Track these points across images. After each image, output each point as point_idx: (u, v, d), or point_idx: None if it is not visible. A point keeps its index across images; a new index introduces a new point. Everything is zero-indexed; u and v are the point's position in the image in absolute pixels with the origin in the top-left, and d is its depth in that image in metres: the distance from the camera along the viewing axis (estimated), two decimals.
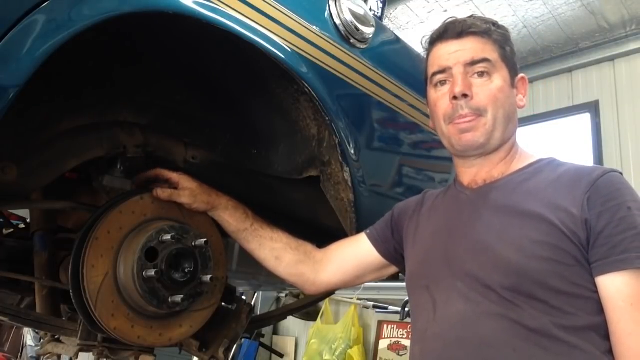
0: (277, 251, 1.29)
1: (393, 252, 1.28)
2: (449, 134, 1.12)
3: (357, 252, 1.31)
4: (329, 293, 1.82)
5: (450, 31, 1.12)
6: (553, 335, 0.92)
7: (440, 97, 1.13)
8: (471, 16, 1.16)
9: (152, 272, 1.08)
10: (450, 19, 1.16)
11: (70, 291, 1.08)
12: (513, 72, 1.13)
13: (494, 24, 1.14)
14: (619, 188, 0.98)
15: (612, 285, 0.93)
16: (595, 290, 0.95)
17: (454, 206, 1.16)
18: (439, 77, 1.13)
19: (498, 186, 1.10)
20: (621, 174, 1.02)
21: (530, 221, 0.99)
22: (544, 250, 0.95)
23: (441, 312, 1.04)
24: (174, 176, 1.23)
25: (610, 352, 0.92)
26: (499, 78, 1.09)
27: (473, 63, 1.08)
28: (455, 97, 1.08)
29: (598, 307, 0.94)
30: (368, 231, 1.32)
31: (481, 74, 1.08)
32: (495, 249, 1.00)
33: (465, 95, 1.07)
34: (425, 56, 1.21)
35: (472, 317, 0.98)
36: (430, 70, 1.16)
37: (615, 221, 0.94)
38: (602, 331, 0.93)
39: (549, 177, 1.05)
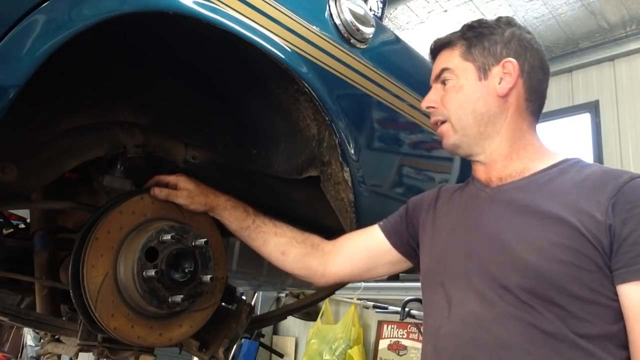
0: (282, 246, 1.28)
1: (406, 245, 1.27)
2: None
3: (369, 243, 1.30)
4: (333, 289, 1.81)
5: (431, 52, 1.23)
6: (569, 340, 0.91)
7: None
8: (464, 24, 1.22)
9: (152, 272, 1.08)
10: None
11: (70, 291, 1.09)
12: (485, 64, 1.12)
13: (471, 27, 1.17)
14: None
15: (635, 294, 0.91)
16: (614, 298, 0.93)
17: (473, 203, 1.14)
18: None
19: (520, 185, 1.08)
20: None
21: (551, 223, 0.97)
22: (564, 254, 0.93)
23: (456, 311, 1.03)
24: (172, 178, 1.24)
25: None
26: (462, 79, 1.13)
27: (437, 78, 1.18)
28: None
29: (615, 316, 0.93)
30: (381, 223, 1.31)
31: (445, 83, 1.16)
32: (514, 250, 0.99)
33: (430, 107, 1.18)
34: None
35: (487, 317, 0.97)
36: None
37: None
38: (618, 340, 0.92)
39: (574, 179, 1.03)
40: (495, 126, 1.11)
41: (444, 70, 1.16)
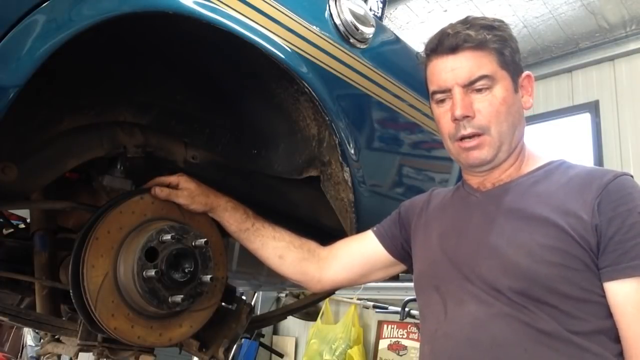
0: (280, 250, 1.28)
1: (400, 249, 1.28)
2: (456, 152, 1.11)
3: (363, 249, 1.31)
4: (330, 292, 1.82)
5: (445, 45, 1.07)
6: (564, 337, 0.92)
7: (442, 115, 1.11)
8: (467, 19, 1.10)
9: (152, 272, 1.08)
10: (444, 29, 1.10)
11: (70, 291, 1.09)
12: (515, 74, 1.09)
13: (490, 27, 1.08)
14: (630, 192, 0.97)
15: (621, 292, 0.93)
16: (604, 295, 0.94)
17: (463, 208, 1.16)
18: (439, 96, 1.10)
19: (508, 189, 1.09)
20: (632, 176, 1.01)
21: (540, 226, 0.99)
22: (554, 256, 0.95)
23: (452, 313, 1.04)
24: (173, 178, 1.24)
25: (621, 354, 0.92)
26: (500, 89, 1.05)
27: (471, 83, 1.05)
28: (456, 119, 1.06)
29: (607, 312, 0.94)
30: (375, 228, 1.32)
31: (480, 90, 1.05)
32: (505, 253, 1.00)
33: (466, 116, 1.05)
34: (423, 66, 1.16)
35: (483, 317, 0.98)
36: (430, 88, 1.13)
37: (625, 227, 0.93)
38: (613, 334, 0.93)
39: (559, 181, 1.05)
40: (517, 139, 1.11)
41: (483, 77, 1.04)
